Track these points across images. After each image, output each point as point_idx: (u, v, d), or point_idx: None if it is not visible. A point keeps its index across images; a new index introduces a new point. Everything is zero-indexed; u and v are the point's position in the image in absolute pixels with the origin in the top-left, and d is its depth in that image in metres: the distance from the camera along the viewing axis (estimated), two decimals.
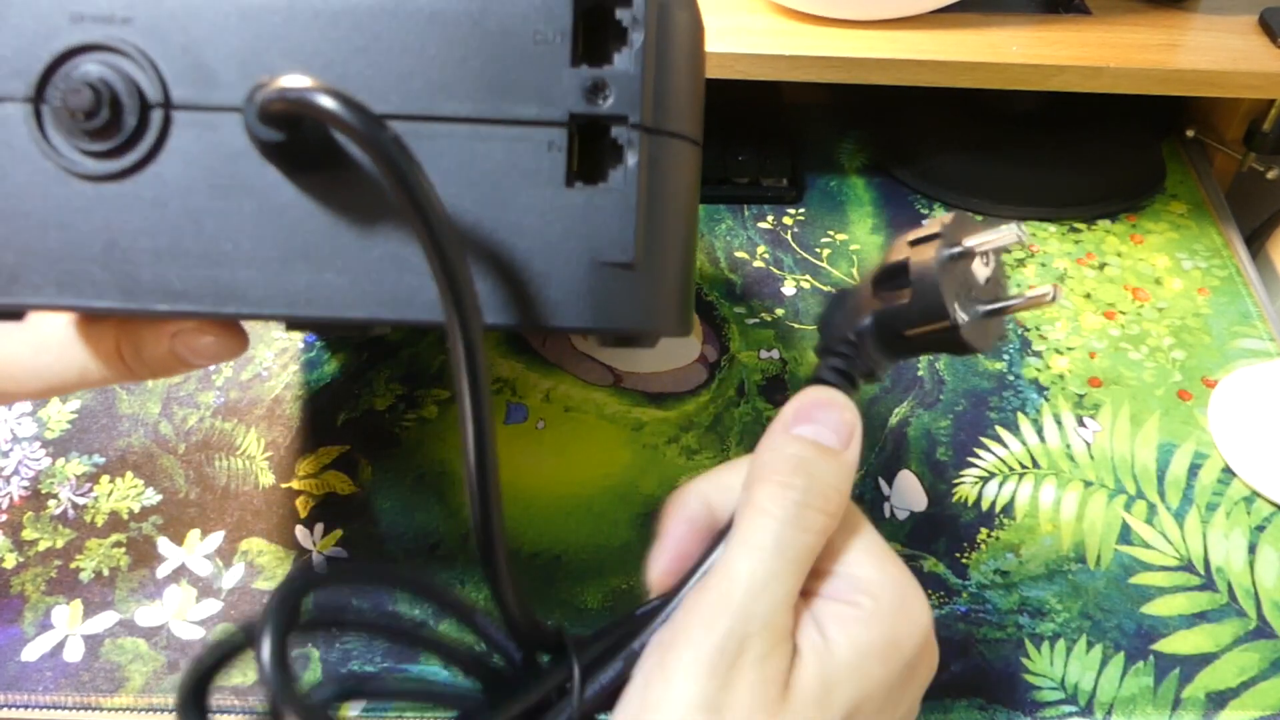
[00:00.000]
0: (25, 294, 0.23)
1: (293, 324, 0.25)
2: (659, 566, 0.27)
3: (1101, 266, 0.52)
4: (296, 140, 0.21)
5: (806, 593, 0.25)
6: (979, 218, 0.55)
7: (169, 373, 0.30)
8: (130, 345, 0.28)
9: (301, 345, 0.47)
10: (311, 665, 0.37)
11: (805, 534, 0.24)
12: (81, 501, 0.41)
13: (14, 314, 0.25)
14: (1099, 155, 0.55)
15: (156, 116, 0.23)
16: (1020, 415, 0.45)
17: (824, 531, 0.24)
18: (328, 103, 0.19)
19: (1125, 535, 0.41)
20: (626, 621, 0.26)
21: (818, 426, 0.25)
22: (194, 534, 0.40)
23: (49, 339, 0.29)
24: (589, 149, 0.23)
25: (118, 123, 0.22)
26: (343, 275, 0.23)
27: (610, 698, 0.25)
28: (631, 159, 0.23)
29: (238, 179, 0.23)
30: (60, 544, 0.40)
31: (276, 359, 0.46)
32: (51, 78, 0.22)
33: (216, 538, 0.40)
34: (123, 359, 0.29)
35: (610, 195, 0.23)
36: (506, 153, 0.23)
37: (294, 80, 0.20)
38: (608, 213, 0.23)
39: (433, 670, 0.36)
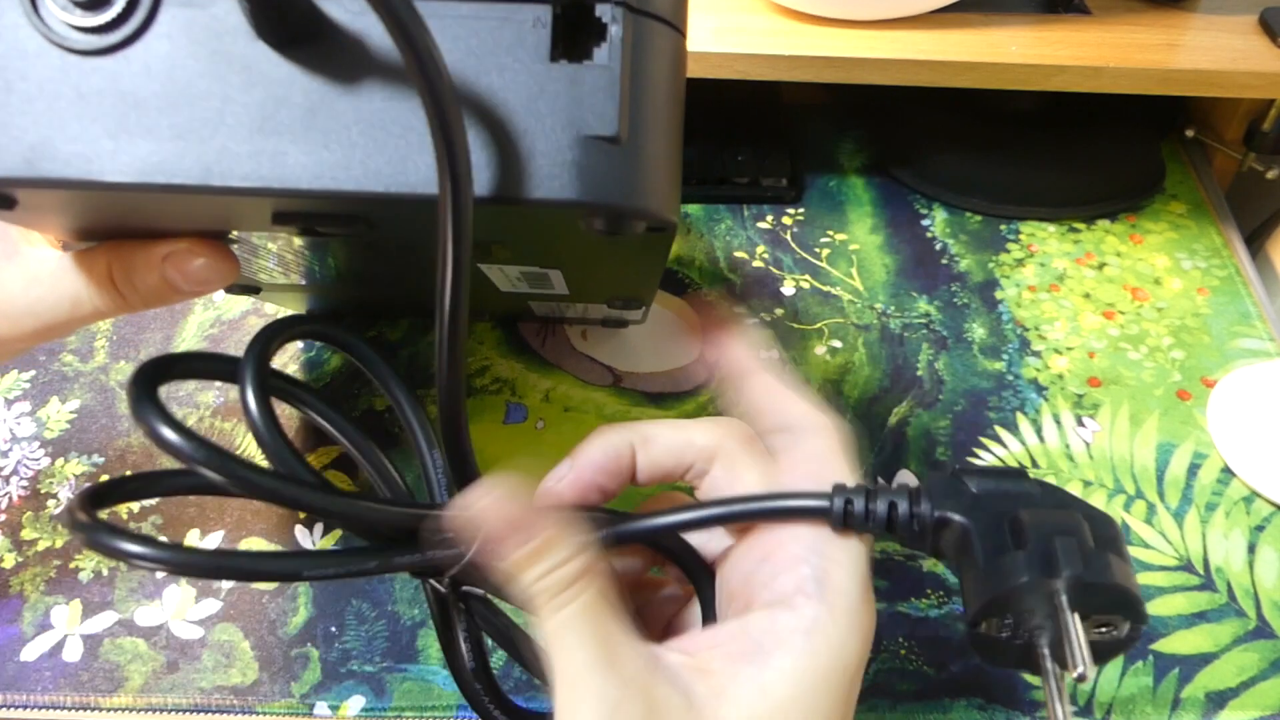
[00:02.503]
0: (12, 167, 0.23)
1: (279, 212, 0.25)
2: (558, 479, 0.27)
3: (1101, 266, 0.52)
4: (286, 2, 0.22)
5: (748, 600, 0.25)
6: (975, 220, 0.55)
7: (162, 301, 0.30)
8: (122, 270, 0.28)
9: (301, 345, 0.47)
10: (311, 665, 0.37)
11: (566, 612, 0.23)
12: None
13: (3, 199, 0.25)
14: (1099, 155, 0.55)
15: None
16: (1019, 415, 0.45)
17: (582, 589, 0.23)
18: None
19: (1124, 535, 0.41)
20: None
21: (514, 539, 0.24)
22: (194, 533, 0.40)
23: (40, 271, 0.29)
24: (574, 31, 0.24)
25: None
26: (331, 149, 0.23)
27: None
28: (615, 34, 0.23)
29: (228, 54, 0.23)
30: (59, 544, 0.40)
31: (276, 359, 0.46)
32: None
33: (216, 537, 0.40)
34: (115, 285, 0.29)
35: (594, 70, 0.23)
36: (493, 31, 0.23)
37: None
38: (592, 87, 0.23)
39: (431, 670, 0.36)
